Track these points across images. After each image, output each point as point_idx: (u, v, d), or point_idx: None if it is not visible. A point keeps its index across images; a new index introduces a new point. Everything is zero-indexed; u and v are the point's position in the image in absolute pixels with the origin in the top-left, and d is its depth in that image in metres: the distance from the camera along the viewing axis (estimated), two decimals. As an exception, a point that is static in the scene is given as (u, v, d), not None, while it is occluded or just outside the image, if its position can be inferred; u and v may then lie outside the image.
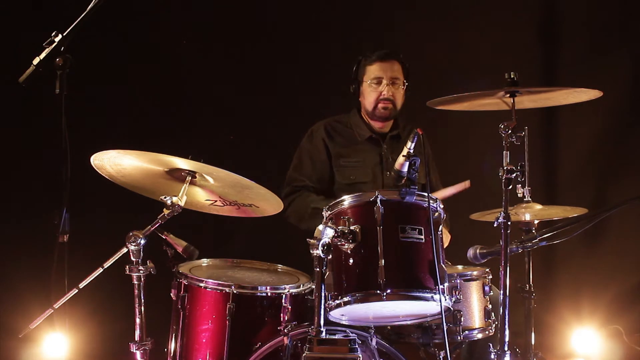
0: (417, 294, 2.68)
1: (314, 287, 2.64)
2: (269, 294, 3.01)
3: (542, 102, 3.23)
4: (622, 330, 4.59)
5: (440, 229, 2.80)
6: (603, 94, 3.10)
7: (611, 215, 3.05)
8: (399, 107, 3.75)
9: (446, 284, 2.74)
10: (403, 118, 3.90)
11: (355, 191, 3.54)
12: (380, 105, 3.71)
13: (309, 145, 3.83)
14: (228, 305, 2.93)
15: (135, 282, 2.84)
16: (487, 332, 3.08)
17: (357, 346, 2.53)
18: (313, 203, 3.61)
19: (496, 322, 3.08)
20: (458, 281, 2.99)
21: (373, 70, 3.71)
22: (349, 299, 2.68)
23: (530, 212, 3.30)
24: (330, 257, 2.61)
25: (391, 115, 3.76)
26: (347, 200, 2.81)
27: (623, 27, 4.78)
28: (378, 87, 3.70)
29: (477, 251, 3.00)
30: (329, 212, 2.83)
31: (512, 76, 2.95)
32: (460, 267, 3.21)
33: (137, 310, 2.85)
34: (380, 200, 2.73)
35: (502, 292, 2.82)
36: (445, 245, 3.49)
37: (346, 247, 2.71)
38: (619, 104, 4.72)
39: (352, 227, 2.72)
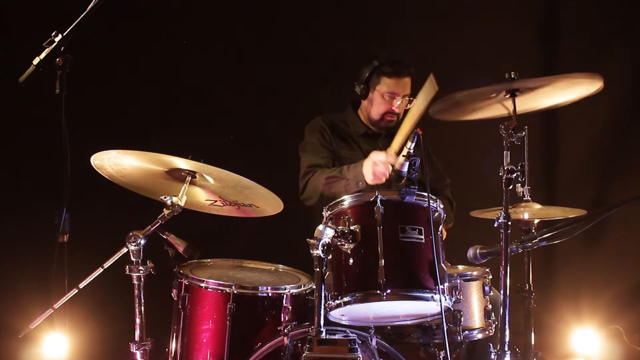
0: (417, 294, 2.68)
1: (314, 287, 2.64)
2: (269, 294, 3.01)
3: (542, 100, 3.21)
4: (622, 330, 4.60)
5: (440, 229, 2.80)
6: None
7: (611, 215, 3.05)
8: (399, 119, 3.70)
9: (446, 284, 2.74)
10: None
11: None
12: (387, 118, 3.73)
13: (314, 131, 3.80)
14: (229, 306, 2.94)
15: (135, 282, 2.84)
16: (487, 332, 3.09)
17: (357, 346, 2.53)
18: (326, 174, 3.55)
19: (496, 322, 3.08)
20: (458, 281, 3.00)
21: (389, 84, 3.67)
22: (349, 299, 2.68)
23: (530, 212, 3.30)
24: (330, 257, 2.61)
25: (393, 127, 3.69)
26: (347, 200, 2.81)
27: (623, 27, 4.78)
28: (391, 101, 3.69)
29: (477, 251, 3.00)
30: (329, 212, 2.84)
31: (512, 76, 2.94)
32: (460, 267, 3.21)
33: (137, 310, 2.86)
34: (380, 200, 2.73)
35: (502, 292, 2.82)
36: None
37: (346, 247, 2.71)
38: (619, 104, 4.72)
39: (352, 227, 2.72)
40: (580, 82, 2.96)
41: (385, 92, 3.68)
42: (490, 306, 3.09)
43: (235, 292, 2.95)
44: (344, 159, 3.75)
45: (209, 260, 3.31)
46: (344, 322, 2.84)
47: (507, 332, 2.82)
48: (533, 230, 3.29)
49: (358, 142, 3.82)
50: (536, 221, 3.34)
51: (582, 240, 4.62)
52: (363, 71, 3.73)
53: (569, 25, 4.83)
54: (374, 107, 3.74)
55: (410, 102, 3.62)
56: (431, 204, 2.76)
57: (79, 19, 2.97)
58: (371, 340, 2.87)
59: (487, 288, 3.09)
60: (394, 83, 3.67)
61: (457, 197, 3.92)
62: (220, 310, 2.96)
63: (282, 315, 2.97)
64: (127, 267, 2.83)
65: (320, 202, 3.48)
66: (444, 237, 3.36)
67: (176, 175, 2.95)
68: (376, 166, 3.21)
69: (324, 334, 2.53)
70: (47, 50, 2.96)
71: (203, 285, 3.01)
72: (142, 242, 2.81)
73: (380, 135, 3.83)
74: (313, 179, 3.63)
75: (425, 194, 2.76)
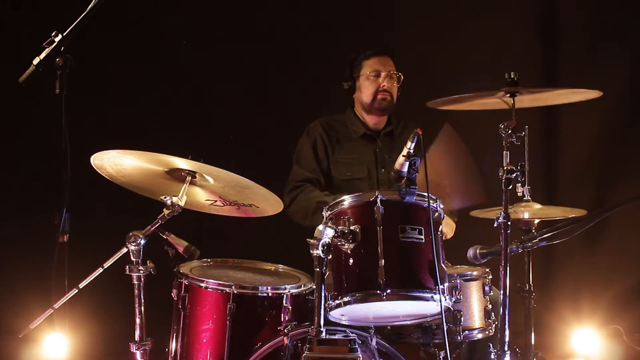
0: (417, 294, 2.68)
1: (314, 287, 2.64)
2: (269, 294, 3.01)
3: (541, 101, 3.22)
4: (622, 330, 4.60)
5: (440, 228, 2.80)
6: (603, 94, 3.10)
7: (611, 215, 3.05)
8: (395, 101, 3.82)
9: (446, 284, 2.74)
10: (396, 115, 3.94)
11: (351, 187, 3.59)
12: (379, 97, 3.77)
13: (308, 141, 3.86)
14: (229, 306, 2.93)
15: (135, 282, 2.84)
16: (487, 332, 3.09)
17: (357, 346, 2.53)
18: (317, 197, 3.62)
19: (496, 322, 3.08)
20: (458, 281, 2.99)
21: (371, 64, 3.80)
22: (349, 299, 2.68)
23: (530, 212, 3.30)
24: (330, 257, 2.61)
25: (389, 106, 3.81)
26: (347, 200, 2.80)
27: (623, 28, 4.78)
28: (377, 79, 3.77)
29: (477, 251, 3.00)
30: (329, 212, 2.84)
31: (512, 76, 2.95)
32: (460, 267, 3.21)
33: (137, 310, 2.86)
34: (380, 200, 2.73)
35: (502, 292, 2.82)
36: (449, 235, 3.51)
37: (346, 247, 2.70)
38: (618, 104, 4.72)
39: (352, 227, 2.71)
40: (579, 91, 3.00)
41: (369, 72, 3.78)
42: (490, 306, 3.09)
43: (235, 292, 2.95)
44: (340, 164, 3.79)
45: (209, 260, 3.31)
46: (344, 322, 2.83)
47: (507, 332, 2.82)
48: (533, 230, 3.29)
49: (357, 143, 3.85)
50: (536, 221, 3.34)
51: (582, 240, 4.62)
52: (345, 69, 3.86)
53: (569, 25, 4.83)
54: (363, 91, 3.81)
55: (398, 78, 3.74)
56: (431, 204, 2.76)
57: (78, 19, 2.97)
58: (371, 340, 2.87)
59: (487, 288, 3.09)
60: (375, 62, 3.80)
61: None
62: (220, 310, 2.96)
63: (282, 315, 2.97)
64: (127, 267, 2.83)
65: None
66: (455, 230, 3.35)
67: (176, 175, 2.95)
68: None
69: (324, 334, 2.53)
70: (47, 50, 2.95)
71: (203, 285, 3.01)
72: (142, 242, 2.81)
73: (379, 135, 3.85)
74: (302, 194, 3.69)
75: (425, 194, 2.76)
